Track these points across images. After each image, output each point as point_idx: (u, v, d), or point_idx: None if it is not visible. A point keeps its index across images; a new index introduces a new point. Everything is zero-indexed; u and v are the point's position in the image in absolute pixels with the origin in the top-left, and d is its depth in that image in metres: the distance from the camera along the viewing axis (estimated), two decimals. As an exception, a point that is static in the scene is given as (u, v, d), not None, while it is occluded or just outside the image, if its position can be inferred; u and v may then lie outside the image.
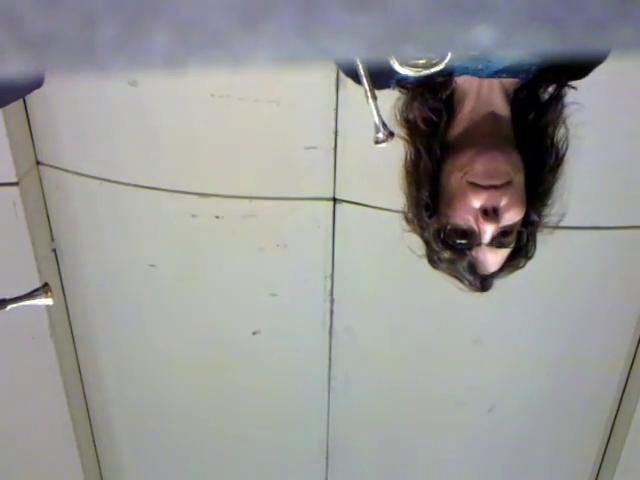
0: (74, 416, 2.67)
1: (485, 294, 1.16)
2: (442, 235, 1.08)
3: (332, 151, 2.09)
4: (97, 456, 2.89)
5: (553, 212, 1.12)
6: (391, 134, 0.96)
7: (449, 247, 1.08)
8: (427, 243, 1.13)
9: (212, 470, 2.84)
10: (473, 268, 1.09)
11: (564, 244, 2.12)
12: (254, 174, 2.17)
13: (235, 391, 2.61)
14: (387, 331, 2.41)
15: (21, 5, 0.26)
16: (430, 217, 1.09)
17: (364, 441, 2.68)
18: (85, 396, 2.74)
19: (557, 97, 1.09)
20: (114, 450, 2.86)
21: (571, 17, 0.25)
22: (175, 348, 2.54)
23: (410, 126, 1.10)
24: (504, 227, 1.05)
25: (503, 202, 1.03)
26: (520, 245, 1.10)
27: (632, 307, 2.26)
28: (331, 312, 2.39)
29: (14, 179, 2.16)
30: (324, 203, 2.19)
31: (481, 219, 1.02)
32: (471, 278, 1.11)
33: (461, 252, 1.07)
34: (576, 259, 2.20)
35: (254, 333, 2.45)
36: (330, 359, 2.49)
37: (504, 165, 1.03)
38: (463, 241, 1.06)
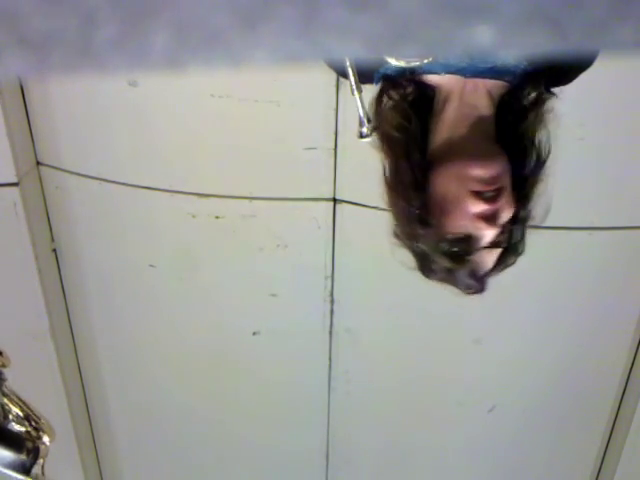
0: (74, 416, 2.67)
1: (485, 294, 1.16)
2: (441, 246, 1.06)
3: (332, 151, 2.09)
4: (97, 456, 2.89)
5: (538, 207, 1.12)
6: (375, 128, 0.95)
7: (449, 256, 1.06)
8: (420, 255, 1.11)
9: (212, 470, 2.84)
10: (473, 272, 1.08)
11: (563, 244, 2.13)
12: (254, 174, 2.17)
13: (235, 391, 2.61)
14: (387, 331, 2.41)
15: (21, 4, 0.26)
16: (424, 230, 1.07)
17: (364, 441, 2.68)
18: (85, 396, 2.74)
19: (540, 101, 1.08)
20: (114, 450, 2.86)
21: (571, 17, 0.25)
22: (175, 348, 2.54)
23: (382, 135, 1.07)
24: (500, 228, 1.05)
25: (500, 205, 1.03)
26: (511, 243, 1.10)
27: (632, 307, 2.26)
28: (331, 312, 2.39)
29: (14, 179, 2.16)
30: (324, 203, 2.19)
31: (482, 224, 1.02)
32: (471, 282, 1.10)
33: (461, 259, 1.06)
34: (575, 259, 2.20)
35: (254, 333, 2.45)
36: (330, 359, 2.49)
37: (498, 170, 1.03)
38: (463, 248, 1.05)
